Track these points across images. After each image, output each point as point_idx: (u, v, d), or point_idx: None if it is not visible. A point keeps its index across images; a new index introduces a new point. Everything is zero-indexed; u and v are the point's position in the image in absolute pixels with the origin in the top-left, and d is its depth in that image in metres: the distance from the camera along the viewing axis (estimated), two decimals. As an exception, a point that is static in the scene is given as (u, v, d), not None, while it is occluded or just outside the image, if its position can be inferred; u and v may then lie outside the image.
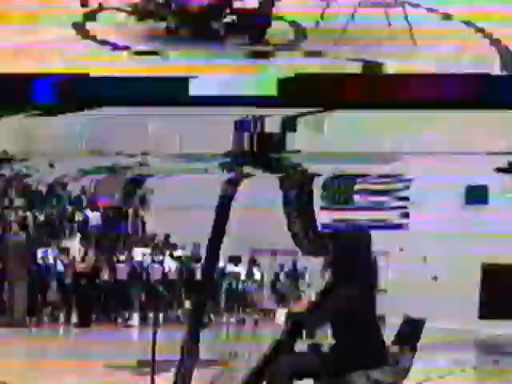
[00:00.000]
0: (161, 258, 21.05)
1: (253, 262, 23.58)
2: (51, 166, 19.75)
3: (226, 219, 5.49)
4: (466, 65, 5.80)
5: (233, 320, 22.10)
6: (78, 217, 22.38)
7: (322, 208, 20.03)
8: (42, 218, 21.47)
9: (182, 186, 20.93)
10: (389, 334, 5.50)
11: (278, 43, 5.28)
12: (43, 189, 22.63)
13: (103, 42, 5.32)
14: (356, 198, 21.95)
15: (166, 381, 5.29)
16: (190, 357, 5.31)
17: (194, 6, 5.24)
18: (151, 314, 19.84)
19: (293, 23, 5.92)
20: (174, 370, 5.28)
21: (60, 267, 19.52)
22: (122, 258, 20.63)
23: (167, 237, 22.74)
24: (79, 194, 23.37)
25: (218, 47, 5.16)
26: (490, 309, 22.62)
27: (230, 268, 22.26)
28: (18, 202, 21.33)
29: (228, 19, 5.39)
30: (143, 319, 20.26)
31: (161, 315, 19.22)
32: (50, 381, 8.86)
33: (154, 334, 5.59)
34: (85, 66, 4.89)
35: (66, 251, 19.89)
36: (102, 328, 19.10)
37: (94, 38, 5.49)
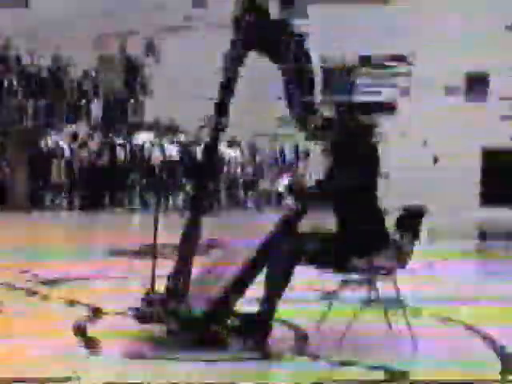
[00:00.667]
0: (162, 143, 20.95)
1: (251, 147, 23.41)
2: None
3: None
4: None
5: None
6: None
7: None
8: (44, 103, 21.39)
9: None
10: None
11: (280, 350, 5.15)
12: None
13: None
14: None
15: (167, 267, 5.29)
16: (190, 242, 5.28)
17: (197, 312, 5.06)
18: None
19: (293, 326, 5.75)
20: (175, 254, 5.28)
21: (66, 152, 19.57)
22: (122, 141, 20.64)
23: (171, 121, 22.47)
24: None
25: (219, 352, 5.02)
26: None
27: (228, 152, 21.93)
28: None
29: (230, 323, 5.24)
30: (144, 204, 20.36)
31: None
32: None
33: (156, 220, 5.53)
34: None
35: (72, 136, 19.95)
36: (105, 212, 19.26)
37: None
